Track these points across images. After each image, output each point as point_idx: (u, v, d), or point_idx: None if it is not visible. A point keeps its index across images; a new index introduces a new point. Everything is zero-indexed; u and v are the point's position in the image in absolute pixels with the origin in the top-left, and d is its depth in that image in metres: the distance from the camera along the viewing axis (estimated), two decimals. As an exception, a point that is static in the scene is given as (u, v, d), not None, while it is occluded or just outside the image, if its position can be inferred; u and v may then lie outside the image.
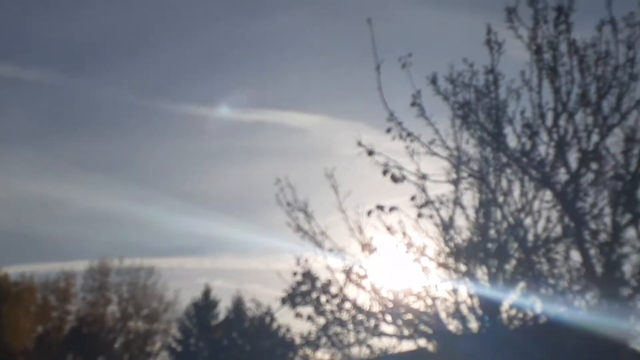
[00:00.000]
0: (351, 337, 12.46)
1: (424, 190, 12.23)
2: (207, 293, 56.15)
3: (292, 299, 12.28)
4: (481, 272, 12.40)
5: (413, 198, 12.14)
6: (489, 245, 12.50)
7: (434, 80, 12.29)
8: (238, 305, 55.19)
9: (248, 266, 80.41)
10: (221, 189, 72.93)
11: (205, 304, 55.86)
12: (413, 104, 12.05)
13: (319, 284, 12.24)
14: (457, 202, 12.45)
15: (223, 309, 56.03)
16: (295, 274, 12.42)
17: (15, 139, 77.37)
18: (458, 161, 12.37)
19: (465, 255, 12.34)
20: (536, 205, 12.09)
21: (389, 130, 12.00)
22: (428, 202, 12.15)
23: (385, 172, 11.85)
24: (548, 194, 11.94)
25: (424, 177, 12.19)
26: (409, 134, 12.05)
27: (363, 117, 48.39)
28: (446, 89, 12.28)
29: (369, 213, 11.83)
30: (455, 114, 12.36)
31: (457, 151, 12.35)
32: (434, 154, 12.22)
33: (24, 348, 51.72)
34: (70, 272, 57.48)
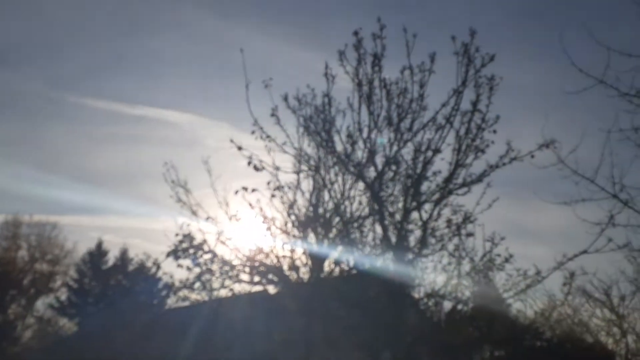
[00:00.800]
0: (218, 283, 12.85)
1: (276, 177, 12.82)
2: (99, 244, 54.62)
3: (175, 253, 12.56)
4: (313, 238, 13.16)
5: (269, 183, 12.68)
6: (320, 219, 13.26)
7: (285, 98, 12.73)
8: (124, 255, 54.20)
9: (132, 225, 78.71)
10: (110, 167, 70.69)
11: (98, 253, 54.30)
12: (272, 115, 12.49)
13: (195, 243, 12.59)
14: (298, 187, 13.14)
15: (112, 257, 54.89)
16: (177, 234, 12.69)
17: None
18: (300, 158, 13.01)
19: (302, 225, 13.03)
20: (352, 192, 12.95)
21: (253, 132, 12.45)
22: (279, 187, 12.74)
23: (249, 163, 12.28)
24: (361, 185, 12.79)
25: (277, 168, 12.75)
26: (267, 136, 12.53)
27: (226, 118, 48.68)
28: (294, 105, 12.80)
29: (236, 192, 12.27)
30: (300, 124, 12.91)
31: (300, 151, 12.99)
32: (285, 152, 12.79)
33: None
34: (-13, 224, 54.60)
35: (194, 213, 13.08)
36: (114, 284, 52.14)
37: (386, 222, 12.29)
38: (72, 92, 68.57)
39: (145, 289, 50.85)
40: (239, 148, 12.26)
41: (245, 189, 12.20)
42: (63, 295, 52.87)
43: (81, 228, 69.20)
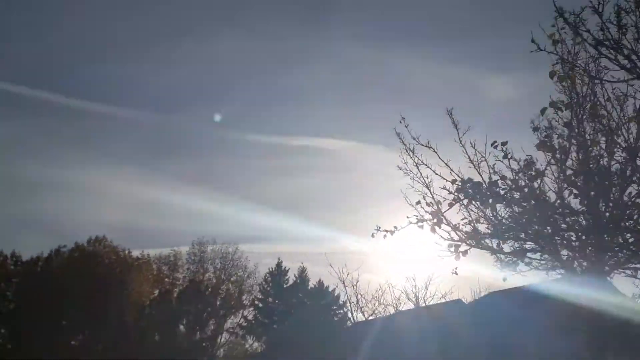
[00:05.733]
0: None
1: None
2: (279, 264, 54.68)
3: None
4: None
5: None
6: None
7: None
8: (302, 273, 53.62)
9: (302, 250, 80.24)
10: (279, 195, 73.11)
11: (278, 272, 54.20)
12: None
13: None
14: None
15: (291, 276, 54.50)
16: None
17: (128, 161, 77.27)
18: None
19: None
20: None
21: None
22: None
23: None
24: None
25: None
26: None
27: (380, 142, 49.09)
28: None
29: (493, 144, 8.89)
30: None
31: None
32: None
33: (146, 304, 50.82)
34: (177, 250, 56.21)
35: (425, 181, 10.54)
36: (295, 302, 51.29)
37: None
38: (235, 129, 71.77)
39: (325, 306, 49.54)
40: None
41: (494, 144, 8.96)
42: (250, 314, 52.99)
43: (254, 255, 70.61)
